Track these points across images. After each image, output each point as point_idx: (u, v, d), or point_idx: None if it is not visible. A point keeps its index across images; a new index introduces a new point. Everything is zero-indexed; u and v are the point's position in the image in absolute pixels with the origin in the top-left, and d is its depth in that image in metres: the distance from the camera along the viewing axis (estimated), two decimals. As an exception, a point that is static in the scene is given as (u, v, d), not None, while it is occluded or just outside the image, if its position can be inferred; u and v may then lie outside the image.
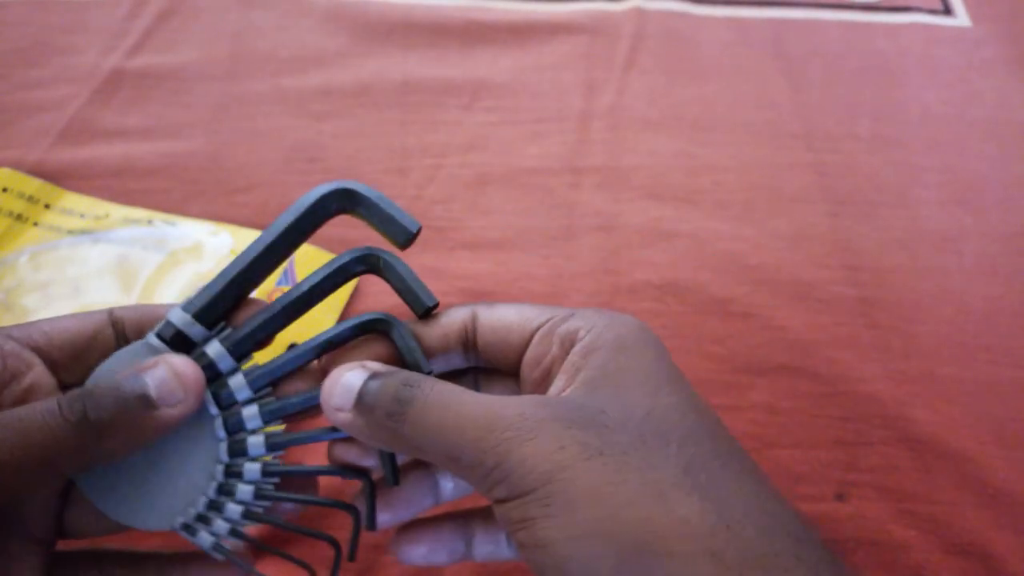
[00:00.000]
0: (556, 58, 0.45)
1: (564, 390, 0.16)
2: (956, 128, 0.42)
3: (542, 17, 0.48)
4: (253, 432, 0.18)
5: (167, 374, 0.16)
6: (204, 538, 0.18)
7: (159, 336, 0.17)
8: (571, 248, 0.36)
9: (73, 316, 0.18)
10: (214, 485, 0.18)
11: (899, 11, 0.50)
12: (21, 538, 0.17)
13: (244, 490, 0.18)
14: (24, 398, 0.16)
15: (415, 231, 0.18)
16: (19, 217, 0.35)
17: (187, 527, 0.17)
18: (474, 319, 0.18)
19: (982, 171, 0.40)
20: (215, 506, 0.18)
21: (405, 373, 0.16)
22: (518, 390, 0.18)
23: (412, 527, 0.19)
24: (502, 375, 0.19)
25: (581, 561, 0.13)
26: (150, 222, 0.35)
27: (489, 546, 0.19)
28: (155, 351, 0.17)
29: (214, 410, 0.18)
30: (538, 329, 0.17)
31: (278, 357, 0.18)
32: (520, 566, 0.25)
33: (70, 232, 0.34)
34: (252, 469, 0.18)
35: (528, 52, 0.46)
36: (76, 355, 0.17)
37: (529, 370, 0.18)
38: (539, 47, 0.46)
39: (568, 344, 0.17)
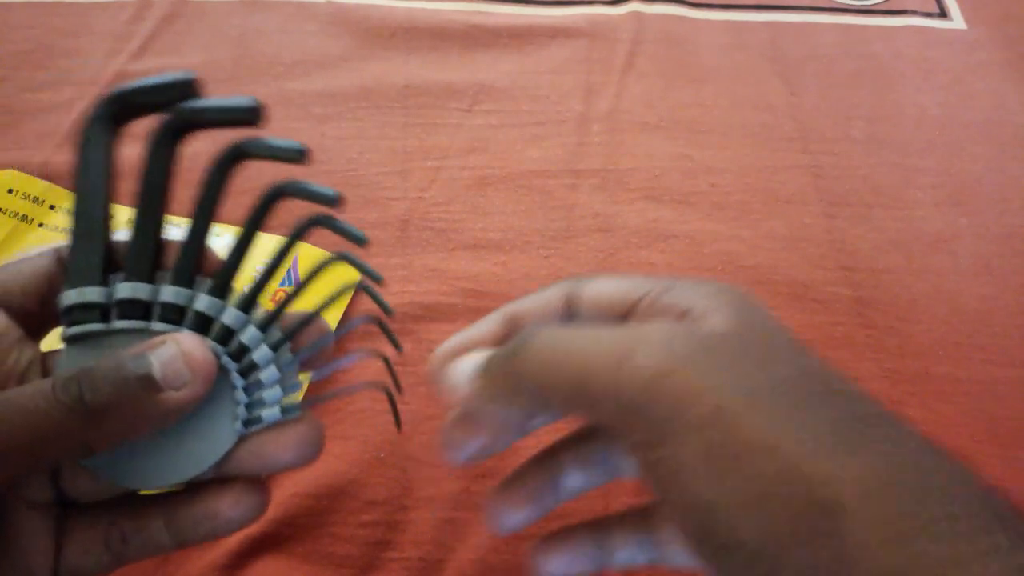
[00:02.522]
0: (556, 62, 0.46)
1: None
2: (951, 130, 0.42)
3: (542, 21, 0.48)
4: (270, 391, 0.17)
5: (174, 353, 0.15)
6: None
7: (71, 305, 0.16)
8: (570, 249, 0.36)
9: (21, 260, 0.17)
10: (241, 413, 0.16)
11: (895, 14, 0.50)
12: (24, 508, 0.16)
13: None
14: None
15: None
16: (24, 218, 0.35)
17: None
18: (575, 294, 0.18)
19: (977, 173, 0.40)
20: None
21: (514, 337, 0.16)
22: None
23: (548, 540, 0.18)
24: None
25: (751, 528, 0.12)
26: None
27: (628, 551, 0.18)
28: (121, 333, 0.16)
29: (235, 377, 0.16)
30: (640, 300, 0.16)
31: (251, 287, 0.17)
32: (523, 563, 0.26)
33: (75, 233, 0.34)
34: (271, 375, 0.17)
35: (528, 56, 0.46)
36: (39, 299, 0.16)
37: None
38: (539, 51, 0.47)
39: (677, 312, 0.15)
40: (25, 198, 0.36)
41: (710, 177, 0.40)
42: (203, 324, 0.16)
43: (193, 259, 0.17)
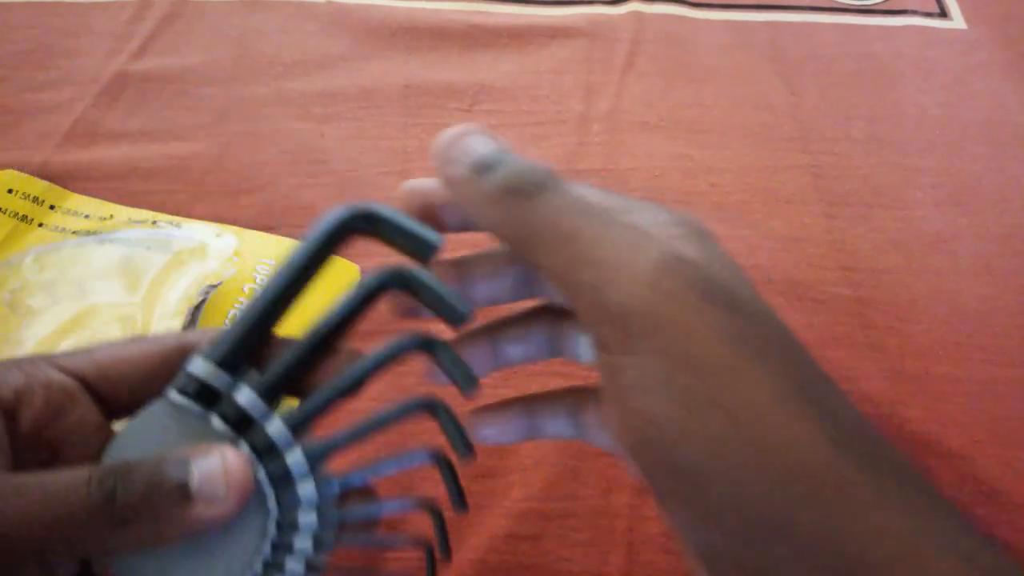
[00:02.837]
0: (556, 62, 0.46)
1: None
2: (951, 130, 0.42)
3: (542, 21, 0.48)
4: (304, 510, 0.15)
5: (216, 466, 0.14)
6: None
7: (182, 391, 0.15)
8: (570, 249, 0.36)
9: (137, 342, 0.16)
10: (266, 553, 0.15)
11: (895, 14, 0.50)
12: None
13: (302, 544, 0.15)
14: (65, 438, 0.15)
15: (437, 244, 0.16)
16: (24, 218, 0.35)
17: None
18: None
19: (977, 172, 0.40)
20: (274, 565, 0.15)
21: (532, 162, 0.15)
22: None
23: (482, 410, 0.19)
24: None
25: (692, 440, 0.12)
26: (155, 223, 0.35)
27: (556, 426, 0.19)
28: (182, 411, 0.15)
29: (266, 489, 0.15)
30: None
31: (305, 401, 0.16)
32: (523, 563, 0.26)
33: (75, 233, 0.34)
34: (309, 522, 0.15)
35: (528, 56, 0.46)
36: (131, 391, 0.15)
37: None
38: (539, 51, 0.47)
39: None
40: (25, 198, 0.36)
41: (710, 177, 0.40)
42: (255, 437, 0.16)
43: (295, 376, 0.16)
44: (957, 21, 0.50)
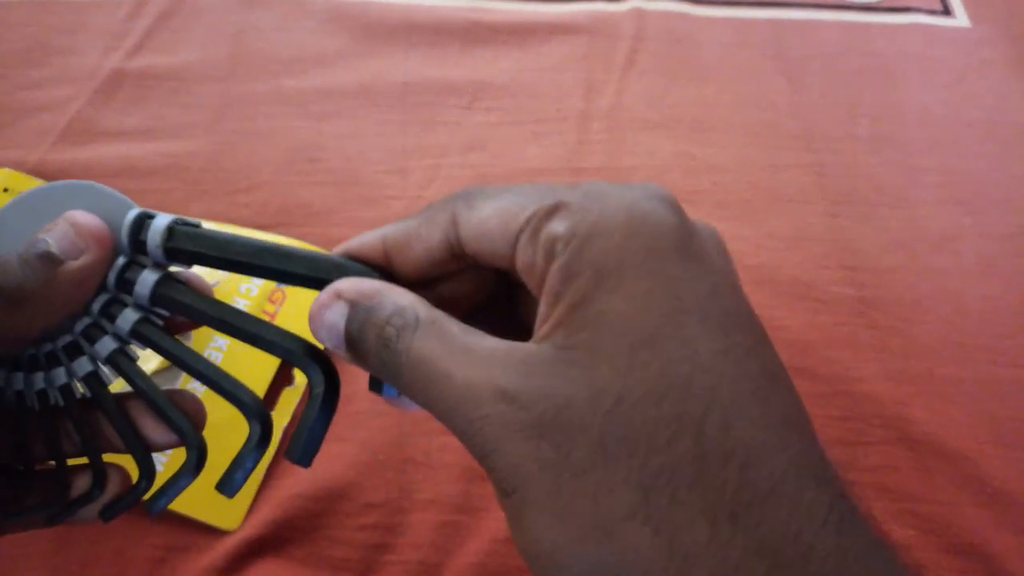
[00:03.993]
0: (556, 59, 0.45)
1: (544, 323, 0.13)
2: (955, 128, 0.42)
3: (542, 18, 0.48)
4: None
5: (67, 229, 0.16)
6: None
7: (142, 214, 0.17)
8: (571, 248, 0.36)
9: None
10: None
11: (898, 11, 0.50)
12: None
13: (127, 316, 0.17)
14: None
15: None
16: (20, 217, 0.35)
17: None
18: (455, 225, 0.15)
19: (981, 171, 0.40)
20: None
21: (386, 309, 0.14)
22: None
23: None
24: None
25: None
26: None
27: None
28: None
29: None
30: (521, 231, 0.14)
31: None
32: (522, 566, 0.25)
33: (71, 232, 0.34)
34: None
35: (528, 53, 0.46)
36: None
37: (527, 278, 0.14)
38: (539, 48, 0.46)
39: (549, 257, 0.13)
40: (20, 197, 0.35)
41: (712, 176, 0.39)
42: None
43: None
44: (961, 19, 0.49)
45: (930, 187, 0.39)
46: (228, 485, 0.16)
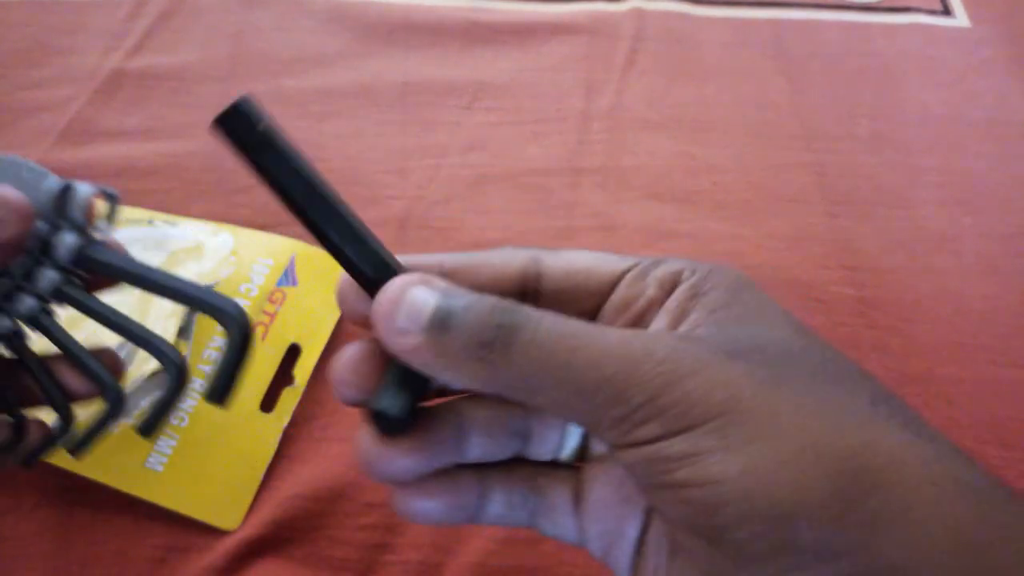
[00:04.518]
0: (556, 59, 0.45)
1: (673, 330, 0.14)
2: (955, 128, 0.42)
3: (542, 18, 0.48)
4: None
5: None
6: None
7: (65, 184, 0.18)
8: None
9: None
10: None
11: (898, 11, 0.50)
12: None
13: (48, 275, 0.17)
14: None
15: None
16: (20, 217, 0.35)
17: None
18: (536, 262, 0.16)
19: (981, 171, 0.40)
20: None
21: (491, 297, 0.13)
22: None
23: (427, 479, 0.16)
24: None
25: (770, 493, 0.12)
26: (150, 222, 0.35)
27: (502, 507, 0.17)
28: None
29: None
30: (626, 272, 0.15)
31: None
32: (523, 566, 0.25)
33: (71, 232, 0.34)
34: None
35: (528, 53, 0.46)
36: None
37: (614, 315, 0.15)
38: (539, 47, 0.46)
39: (669, 286, 0.15)
40: (20, 197, 0.35)
41: (712, 175, 0.39)
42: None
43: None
44: (961, 19, 0.49)
45: (930, 187, 0.39)
46: (148, 427, 0.17)
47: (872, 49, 0.47)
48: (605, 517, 0.16)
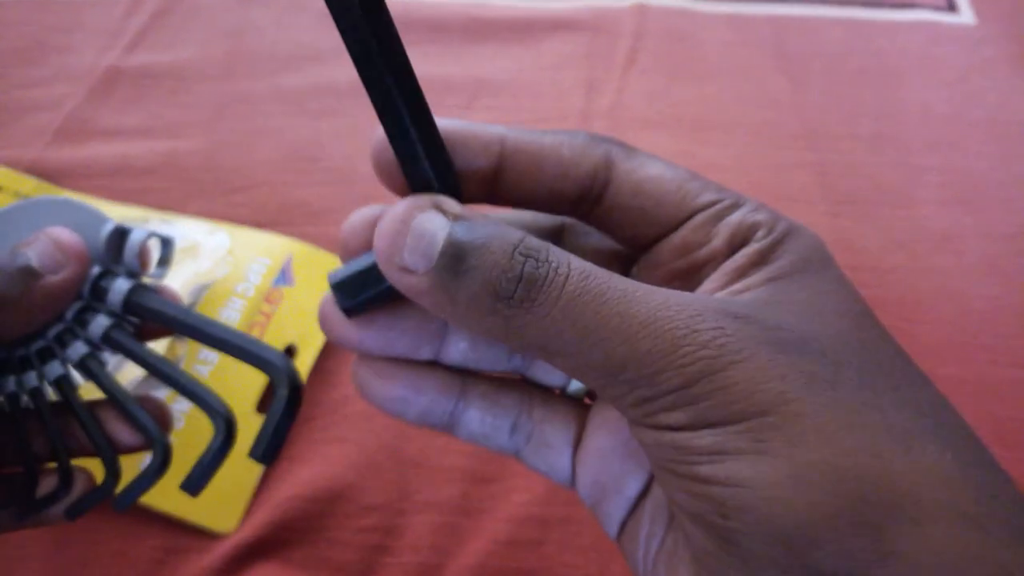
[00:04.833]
0: (556, 56, 0.45)
1: (722, 291, 0.13)
2: (958, 128, 0.42)
3: (542, 15, 0.48)
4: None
5: (48, 244, 0.16)
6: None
7: (119, 228, 0.18)
8: (571, 248, 0.35)
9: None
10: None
11: (902, 8, 0.49)
12: None
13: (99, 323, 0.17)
14: None
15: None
16: (16, 217, 0.34)
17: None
18: (610, 165, 0.13)
19: (983, 171, 0.40)
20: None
21: (516, 231, 0.12)
22: (621, 268, 0.14)
23: (394, 361, 0.14)
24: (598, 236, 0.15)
25: (797, 508, 0.11)
26: (147, 221, 0.34)
27: (479, 424, 0.15)
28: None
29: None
30: (700, 210, 0.13)
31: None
32: (523, 568, 0.25)
33: (67, 232, 0.34)
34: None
35: (528, 50, 0.46)
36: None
37: (670, 255, 0.14)
38: (539, 45, 0.46)
39: (739, 241, 0.13)
40: (16, 196, 0.35)
41: (713, 174, 0.39)
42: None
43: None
44: (966, 16, 0.49)
45: (932, 187, 0.39)
46: (193, 485, 0.16)
47: (874, 47, 0.47)
48: (604, 468, 0.15)
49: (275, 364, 0.16)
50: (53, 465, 0.18)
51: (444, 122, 0.13)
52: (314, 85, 0.43)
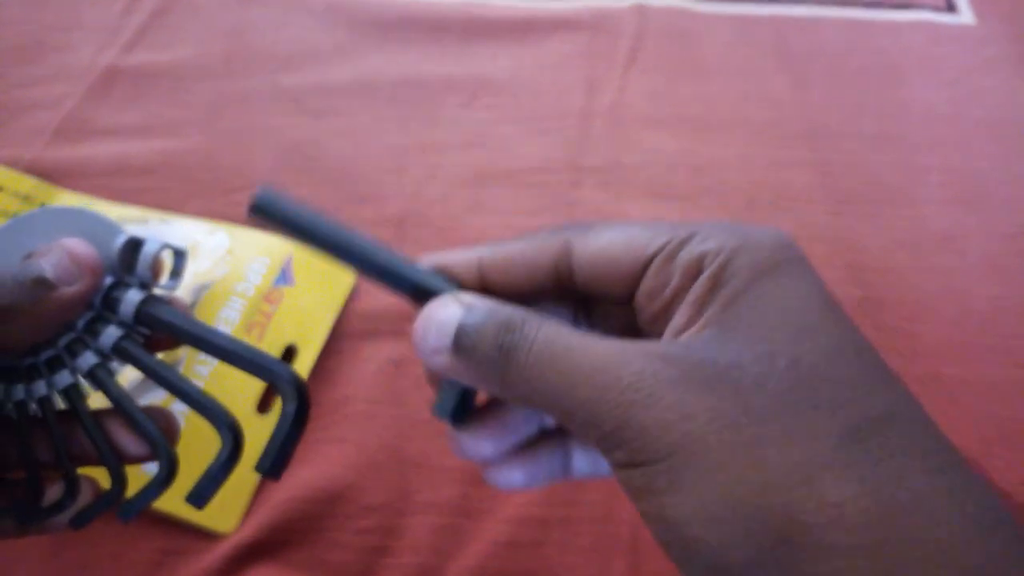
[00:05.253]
0: (557, 55, 0.45)
1: (686, 329, 0.14)
2: (959, 127, 0.42)
3: (543, 14, 0.47)
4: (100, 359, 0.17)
5: (62, 256, 0.16)
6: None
7: (132, 239, 0.18)
8: (572, 247, 0.35)
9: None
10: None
11: (903, 8, 0.49)
12: None
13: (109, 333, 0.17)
14: None
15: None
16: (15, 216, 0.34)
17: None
18: (568, 250, 0.15)
19: (985, 170, 0.39)
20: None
21: (507, 310, 0.14)
22: (630, 319, 0.16)
23: (511, 453, 0.17)
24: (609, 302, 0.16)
25: (712, 547, 0.12)
26: (146, 221, 0.34)
27: (586, 464, 0.17)
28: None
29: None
30: (654, 256, 0.15)
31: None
32: (524, 569, 0.25)
33: (65, 231, 0.34)
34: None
35: (528, 49, 0.45)
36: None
37: (646, 302, 0.15)
38: (540, 44, 0.46)
39: (693, 272, 0.14)
40: (15, 195, 0.35)
41: (715, 174, 0.39)
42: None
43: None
44: (966, 16, 0.49)
45: (934, 186, 0.39)
46: (200, 497, 0.16)
47: (876, 47, 0.47)
48: None
49: (284, 378, 0.16)
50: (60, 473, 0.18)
51: (435, 257, 0.16)
52: (313, 84, 0.42)
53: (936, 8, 0.49)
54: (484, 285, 0.16)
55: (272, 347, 0.29)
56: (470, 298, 0.15)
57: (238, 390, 0.28)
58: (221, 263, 0.32)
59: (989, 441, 0.29)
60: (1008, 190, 0.39)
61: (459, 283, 0.16)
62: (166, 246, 0.18)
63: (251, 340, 0.29)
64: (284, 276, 0.32)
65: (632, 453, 0.12)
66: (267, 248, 0.33)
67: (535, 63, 0.44)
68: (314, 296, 0.31)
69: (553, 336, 0.14)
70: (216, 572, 0.25)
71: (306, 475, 0.27)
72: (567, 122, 0.41)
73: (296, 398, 0.16)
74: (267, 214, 0.15)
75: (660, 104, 0.42)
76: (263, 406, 0.28)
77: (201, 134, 0.40)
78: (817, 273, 0.14)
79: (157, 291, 0.18)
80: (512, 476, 0.17)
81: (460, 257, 0.16)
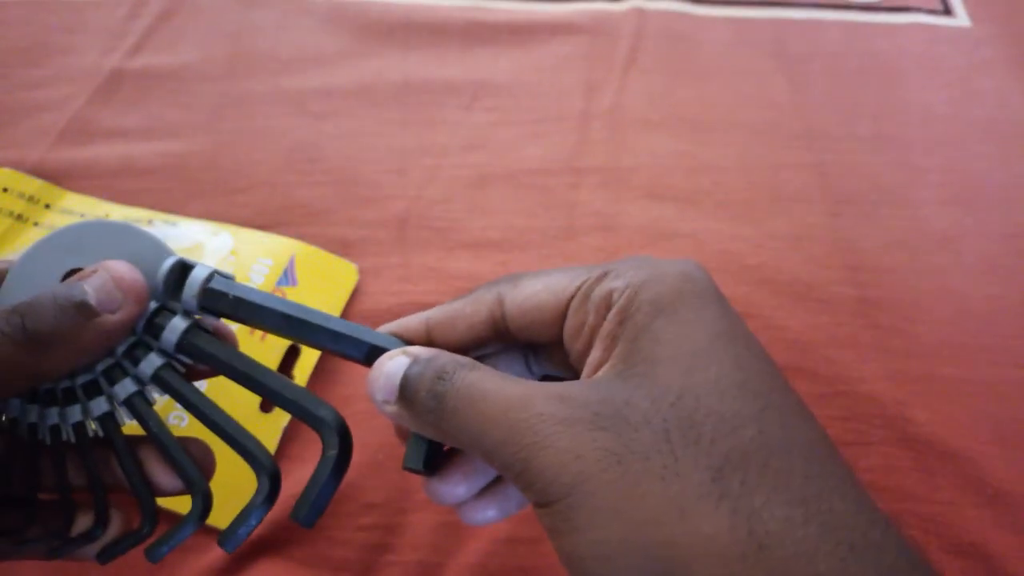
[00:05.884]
0: (556, 58, 0.45)
1: (601, 365, 0.15)
2: (956, 128, 0.42)
3: (542, 17, 0.48)
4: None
5: (105, 279, 0.15)
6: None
7: (180, 263, 0.17)
8: (571, 248, 0.36)
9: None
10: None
11: (899, 11, 0.50)
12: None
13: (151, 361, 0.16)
14: None
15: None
16: (19, 217, 0.35)
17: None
18: (500, 302, 0.17)
19: (982, 171, 0.40)
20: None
21: (444, 359, 0.15)
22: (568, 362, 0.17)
23: (482, 492, 0.18)
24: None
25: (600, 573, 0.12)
26: (150, 222, 0.35)
27: None
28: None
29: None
30: (571, 299, 0.16)
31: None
32: (523, 566, 0.25)
33: (70, 232, 0.34)
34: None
35: (528, 52, 0.46)
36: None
37: (572, 342, 0.16)
38: (539, 47, 0.46)
39: (604, 310, 0.15)
40: (20, 197, 0.35)
41: (713, 175, 0.39)
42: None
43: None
44: (961, 18, 0.49)
45: (931, 187, 0.39)
46: (230, 540, 0.16)
47: (873, 49, 0.47)
48: None
49: (327, 423, 0.16)
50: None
51: (387, 326, 0.18)
52: (315, 87, 0.43)
53: (932, 11, 0.50)
54: (432, 343, 0.17)
55: (274, 348, 0.30)
56: (417, 349, 0.16)
57: (241, 390, 0.28)
58: (224, 264, 0.32)
59: (985, 441, 0.29)
60: (1005, 190, 0.39)
61: (409, 343, 0.17)
62: (216, 272, 0.17)
63: (254, 341, 0.29)
64: (287, 277, 0.32)
65: (536, 494, 0.13)
66: (270, 249, 0.33)
67: (535, 66, 0.45)
68: (317, 296, 0.31)
69: (475, 381, 0.14)
70: (219, 569, 0.25)
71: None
72: (566, 124, 0.41)
73: (339, 445, 0.16)
74: (219, 308, 0.16)
75: (659, 106, 0.43)
76: (266, 406, 0.28)
77: (205, 136, 0.40)
78: (724, 303, 0.15)
79: (200, 318, 0.17)
80: (487, 513, 0.18)
81: (409, 321, 0.17)
